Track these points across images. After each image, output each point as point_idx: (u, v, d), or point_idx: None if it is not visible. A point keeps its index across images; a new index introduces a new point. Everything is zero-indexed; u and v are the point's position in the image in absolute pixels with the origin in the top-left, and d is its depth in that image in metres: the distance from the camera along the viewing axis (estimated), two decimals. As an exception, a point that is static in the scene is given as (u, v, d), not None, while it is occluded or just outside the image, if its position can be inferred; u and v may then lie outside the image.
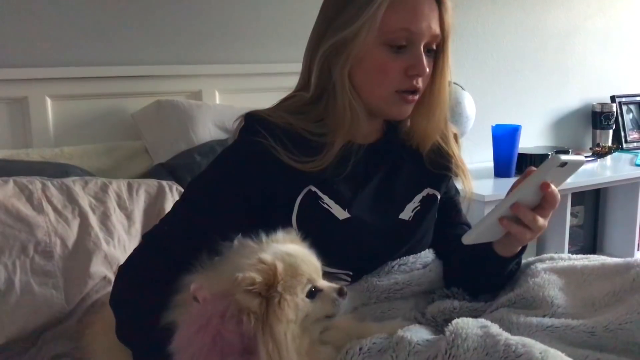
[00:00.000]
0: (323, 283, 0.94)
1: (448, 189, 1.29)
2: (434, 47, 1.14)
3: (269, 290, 0.86)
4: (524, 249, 1.15)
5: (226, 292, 0.86)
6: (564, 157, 0.98)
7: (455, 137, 1.28)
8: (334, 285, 0.94)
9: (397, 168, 1.22)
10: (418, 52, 1.11)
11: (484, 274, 1.16)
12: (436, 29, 1.12)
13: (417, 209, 1.20)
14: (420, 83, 1.14)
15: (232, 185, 1.12)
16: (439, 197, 1.24)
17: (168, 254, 1.06)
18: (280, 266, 0.87)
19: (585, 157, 2.80)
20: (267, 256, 0.89)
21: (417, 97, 1.16)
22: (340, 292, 0.93)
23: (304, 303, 0.90)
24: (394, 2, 1.09)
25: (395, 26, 1.09)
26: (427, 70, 1.12)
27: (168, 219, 1.15)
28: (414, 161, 1.23)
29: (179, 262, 0.98)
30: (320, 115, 1.16)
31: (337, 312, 0.93)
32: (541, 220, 1.04)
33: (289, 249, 0.95)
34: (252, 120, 1.15)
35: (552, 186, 1.02)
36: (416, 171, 1.23)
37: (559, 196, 1.04)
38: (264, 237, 0.98)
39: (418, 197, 1.21)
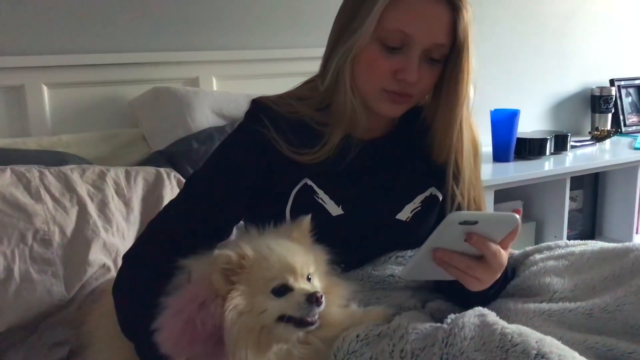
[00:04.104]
0: (298, 284, 0.90)
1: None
2: (438, 57, 1.08)
3: (237, 276, 0.88)
4: (503, 278, 1.08)
5: (207, 276, 0.89)
6: (462, 216, 0.89)
7: (476, 151, 1.20)
8: (308, 288, 0.90)
9: (401, 166, 1.19)
10: (411, 57, 1.05)
11: (465, 297, 1.09)
12: (440, 38, 1.05)
13: (416, 209, 1.17)
14: (410, 88, 1.09)
15: (231, 173, 1.13)
16: (441, 198, 1.20)
17: (170, 242, 1.07)
18: (250, 254, 0.89)
19: (585, 140, 2.82)
20: (244, 245, 0.91)
21: (408, 99, 1.11)
22: (310, 298, 0.88)
23: (264, 297, 0.89)
24: (396, 0, 1.04)
25: (391, 26, 1.04)
26: (416, 78, 1.06)
27: (171, 206, 1.16)
28: (422, 160, 1.17)
29: (180, 250, 0.98)
30: (326, 100, 1.14)
31: (302, 316, 0.89)
32: (479, 270, 0.95)
33: (272, 243, 0.93)
34: (257, 108, 1.15)
35: (477, 237, 0.92)
36: (423, 170, 1.17)
37: (493, 248, 0.93)
38: (264, 228, 0.99)
39: (420, 198, 1.17)
